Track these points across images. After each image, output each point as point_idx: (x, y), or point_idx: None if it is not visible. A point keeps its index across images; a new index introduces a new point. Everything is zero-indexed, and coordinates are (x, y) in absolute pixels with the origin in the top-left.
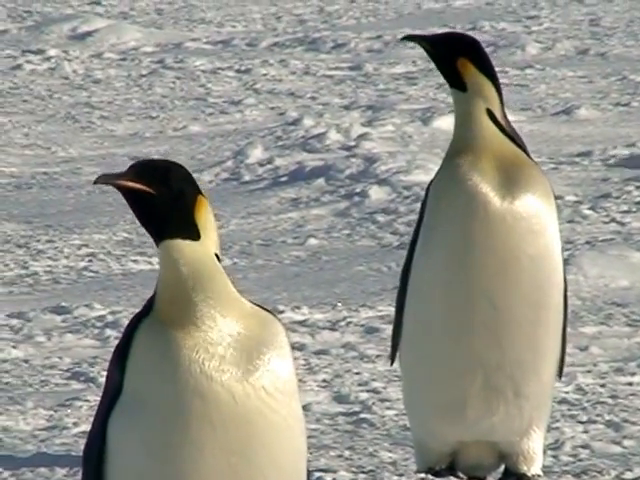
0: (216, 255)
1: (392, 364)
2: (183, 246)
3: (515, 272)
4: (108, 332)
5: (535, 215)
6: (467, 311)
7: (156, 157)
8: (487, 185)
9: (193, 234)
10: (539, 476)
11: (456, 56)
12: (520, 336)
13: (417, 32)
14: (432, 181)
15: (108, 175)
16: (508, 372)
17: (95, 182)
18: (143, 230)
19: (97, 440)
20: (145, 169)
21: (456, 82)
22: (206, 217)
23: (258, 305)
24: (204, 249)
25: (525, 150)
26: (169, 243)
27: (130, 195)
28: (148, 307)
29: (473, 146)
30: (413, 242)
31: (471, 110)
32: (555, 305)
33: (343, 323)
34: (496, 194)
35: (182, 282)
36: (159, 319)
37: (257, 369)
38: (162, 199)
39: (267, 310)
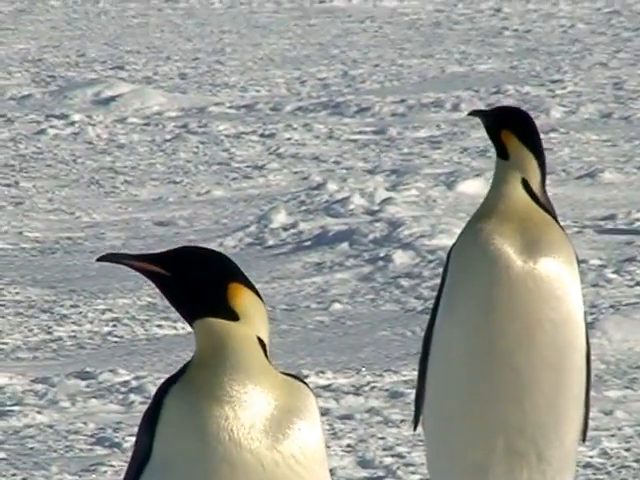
0: (261, 341)
1: (415, 429)
2: (218, 324)
3: (537, 337)
4: (132, 397)
5: (557, 279)
6: (489, 375)
7: (181, 222)
8: (509, 249)
9: (228, 315)
10: None
11: (501, 128)
12: (542, 400)
13: (440, 95)
14: (454, 244)
15: (116, 255)
16: (530, 436)
17: (98, 260)
18: None
19: None
20: (168, 253)
21: (501, 152)
22: (244, 303)
23: (288, 374)
24: (242, 329)
25: (554, 217)
26: (201, 321)
27: (148, 277)
28: (179, 373)
29: (498, 210)
30: (435, 306)
31: (506, 177)
32: (577, 369)
33: (367, 388)
34: (518, 258)
35: (214, 358)
36: (190, 386)
37: (286, 437)
38: (180, 281)
39: (297, 377)
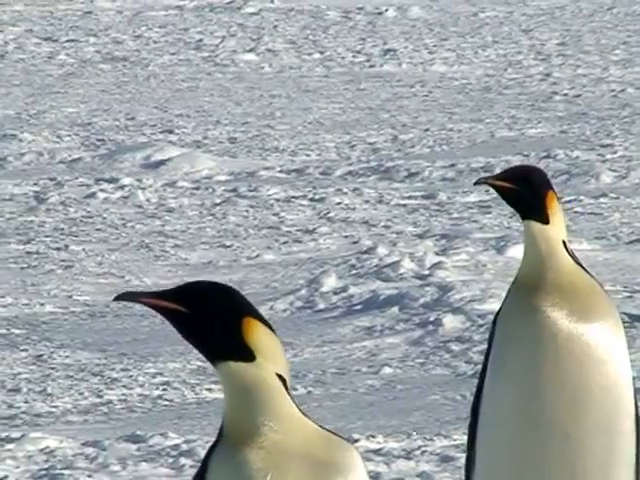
0: (281, 377)
1: None
2: (236, 368)
3: (586, 402)
4: (183, 461)
5: (604, 344)
6: (539, 442)
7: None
8: (555, 315)
9: (245, 355)
10: None
11: (546, 189)
12: (594, 465)
13: (490, 160)
14: (499, 310)
15: (133, 293)
16: None
17: (115, 299)
18: None
19: None
20: (181, 289)
21: (540, 215)
22: (259, 338)
23: (331, 431)
24: (259, 370)
25: (593, 277)
26: (222, 365)
27: (165, 315)
28: (219, 434)
29: (545, 276)
30: (483, 372)
31: (550, 242)
32: (628, 433)
33: (418, 452)
34: (565, 324)
35: (241, 404)
36: (229, 444)
37: None
38: (197, 317)
39: (340, 436)
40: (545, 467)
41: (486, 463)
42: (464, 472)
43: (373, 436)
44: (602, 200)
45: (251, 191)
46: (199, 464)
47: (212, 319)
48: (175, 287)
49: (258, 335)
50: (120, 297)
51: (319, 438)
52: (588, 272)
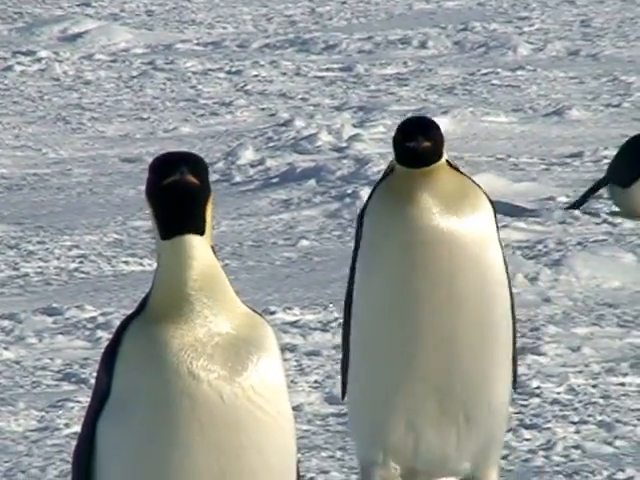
0: (212, 248)
1: (343, 398)
2: (196, 242)
3: (459, 298)
4: (99, 333)
5: (475, 240)
6: (412, 338)
7: (148, 158)
8: (426, 212)
9: (201, 229)
10: None
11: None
12: (468, 355)
13: (408, 32)
14: (365, 207)
15: (177, 180)
16: (458, 395)
17: (165, 186)
18: (134, 231)
19: (86, 442)
20: (190, 161)
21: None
22: (210, 211)
23: (249, 307)
24: (207, 244)
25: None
26: (183, 238)
27: (184, 190)
28: (138, 309)
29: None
30: (352, 269)
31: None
32: (502, 323)
33: (335, 324)
34: (433, 217)
35: (186, 277)
36: (149, 318)
37: (245, 369)
38: (200, 192)
39: (256, 312)
40: (420, 362)
41: (361, 362)
42: (340, 377)
43: (290, 308)
44: (519, 72)
45: (168, 64)
46: None
47: (204, 193)
48: (180, 158)
49: (211, 208)
50: (169, 185)
51: (240, 315)
52: (469, 177)
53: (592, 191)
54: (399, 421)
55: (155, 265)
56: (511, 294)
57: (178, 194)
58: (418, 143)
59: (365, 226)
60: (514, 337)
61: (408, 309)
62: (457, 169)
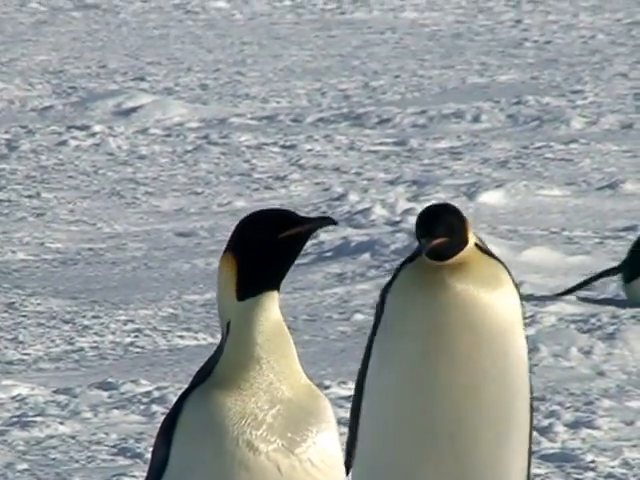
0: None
1: (348, 474)
2: (271, 301)
3: (482, 388)
4: (154, 408)
5: (499, 328)
6: (428, 429)
7: (202, 233)
8: (449, 294)
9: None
10: None
11: None
12: (484, 450)
13: (461, 106)
14: (389, 283)
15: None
16: None
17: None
18: (189, 306)
19: None
20: (292, 214)
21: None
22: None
23: (309, 379)
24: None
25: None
26: (268, 294)
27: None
28: (201, 378)
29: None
30: (369, 347)
31: None
32: (518, 418)
33: None
34: (459, 304)
35: (251, 339)
36: (213, 384)
37: (304, 440)
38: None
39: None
40: (432, 449)
41: (370, 444)
42: (345, 444)
43: (344, 382)
44: (572, 146)
45: (222, 138)
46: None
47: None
48: (286, 211)
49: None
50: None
51: (303, 385)
52: (499, 260)
53: (600, 276)
54: None
55: (210, 339)
56: (530, 387)
57: (296, 248)
58: (427, 243)
59: (387, 305)
60: (530, 434)
61: (423, 397)
62: (487, 251)
